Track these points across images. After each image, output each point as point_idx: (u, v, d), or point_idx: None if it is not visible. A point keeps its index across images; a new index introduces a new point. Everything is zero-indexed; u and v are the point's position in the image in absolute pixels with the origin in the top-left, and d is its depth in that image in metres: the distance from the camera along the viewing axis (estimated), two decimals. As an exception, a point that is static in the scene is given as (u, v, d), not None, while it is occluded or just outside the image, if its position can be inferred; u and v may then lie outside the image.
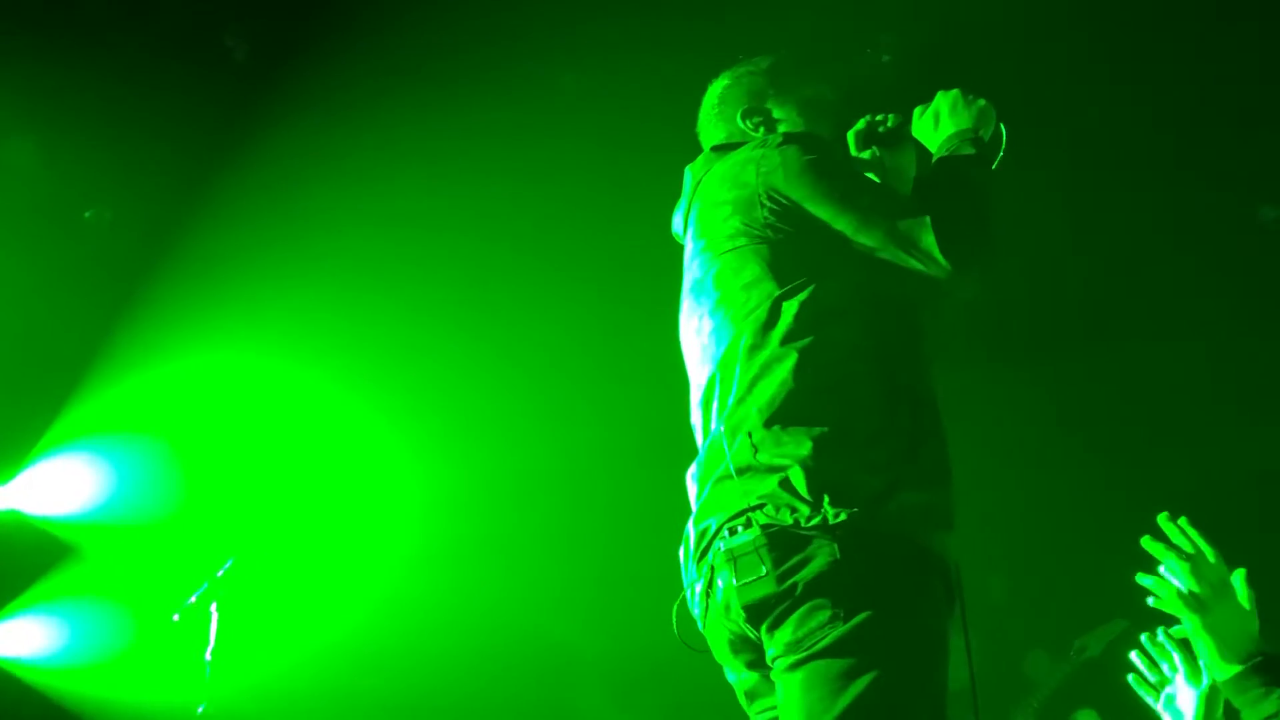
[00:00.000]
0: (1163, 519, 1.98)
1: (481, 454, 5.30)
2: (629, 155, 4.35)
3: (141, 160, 4.84)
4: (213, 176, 4.91)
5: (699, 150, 2.64)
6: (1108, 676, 4.92)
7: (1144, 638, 2.03)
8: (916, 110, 2.46)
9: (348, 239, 5.03)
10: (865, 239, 2.22)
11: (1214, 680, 1.88)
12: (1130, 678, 2.06)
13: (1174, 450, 5.37)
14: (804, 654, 2.01)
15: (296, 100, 4.78)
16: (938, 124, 2.40)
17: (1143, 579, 1.94)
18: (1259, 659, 1.85)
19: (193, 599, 4.29)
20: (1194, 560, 1.93)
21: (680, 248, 2.54)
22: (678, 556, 2.34)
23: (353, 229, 5.01)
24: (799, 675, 2.02)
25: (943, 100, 2.42)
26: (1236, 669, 1.86)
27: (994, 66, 4.30)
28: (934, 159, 2.38)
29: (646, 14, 4.46)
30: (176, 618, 4.32)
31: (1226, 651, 1.87)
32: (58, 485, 5.23)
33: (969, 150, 2.31)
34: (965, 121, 2.36)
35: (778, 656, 2.07)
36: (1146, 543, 1.96)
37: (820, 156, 2.31)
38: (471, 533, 5.36)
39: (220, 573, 4.32)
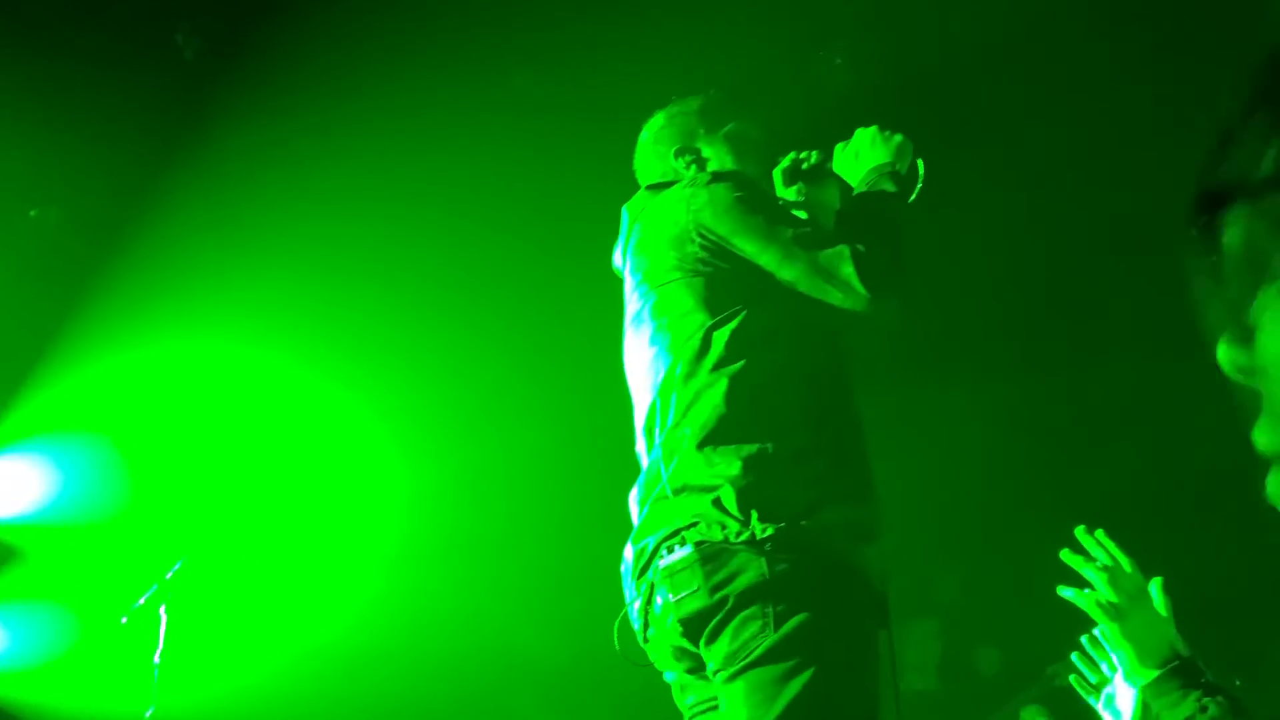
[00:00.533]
0: (1080, 532, 2.05)
1: (445, 452, 5.27)
2: (588, 151, 4.36)
3: (89, 159, 4.79)
4: (162, 174, 4.85)
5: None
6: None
7: (1084, 639, 2.07)
8: (838, 146, 2.60)
9: (298, 235, 4.99)
10: (788, 271, 2.35)
11: (1134, 685, 1.94)
12: (1071, 678, 2.10)
13: (1120, 453, 5.47)
14: (741, 664, 2.15)
15: (248, 97, 4.73)
16: (858, 159, 2.54)
17: (1063, 591, 2.00)
18: (1175, 663, 1.91)
19: (141, 601, 4.24)
20: (1111, 571, 1.99)
21: (621, 282, 2.66)
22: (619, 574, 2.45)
23: (304, 225, 4.98)
24: (739, 685, 2.15)
25: (862, 136, 2.57)
26: (1154, 673, 1.92)
27: (945, 71, 4.35)
28: (854, 193, 2.52)
29: (603, 15, 4.47)
30: (124, 620, 4.28)
31: (1144, 657, 1.93)
32: (4, 487, 5.15)
33: (887, 184, 2.46)
34: (883, 156, 2.51)
35: (718, 670, 2.19)
36: (1065, 555, 2.03)
37: (746, 193, 2.45)
38: (432, 534, 5.33)
39: (169, 574, 4.27)
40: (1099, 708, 2.08)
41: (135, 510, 5.25)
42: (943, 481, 5.58)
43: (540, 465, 5.28)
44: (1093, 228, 5.11)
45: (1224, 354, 0.67)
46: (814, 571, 2.17)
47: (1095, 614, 1.97)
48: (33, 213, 4.92)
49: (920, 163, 2.52)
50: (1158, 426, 5.37)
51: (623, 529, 2.45)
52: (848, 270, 2.28)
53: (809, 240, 2.36)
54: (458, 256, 5.08)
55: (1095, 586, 1.99)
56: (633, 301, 2.56)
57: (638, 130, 2.79)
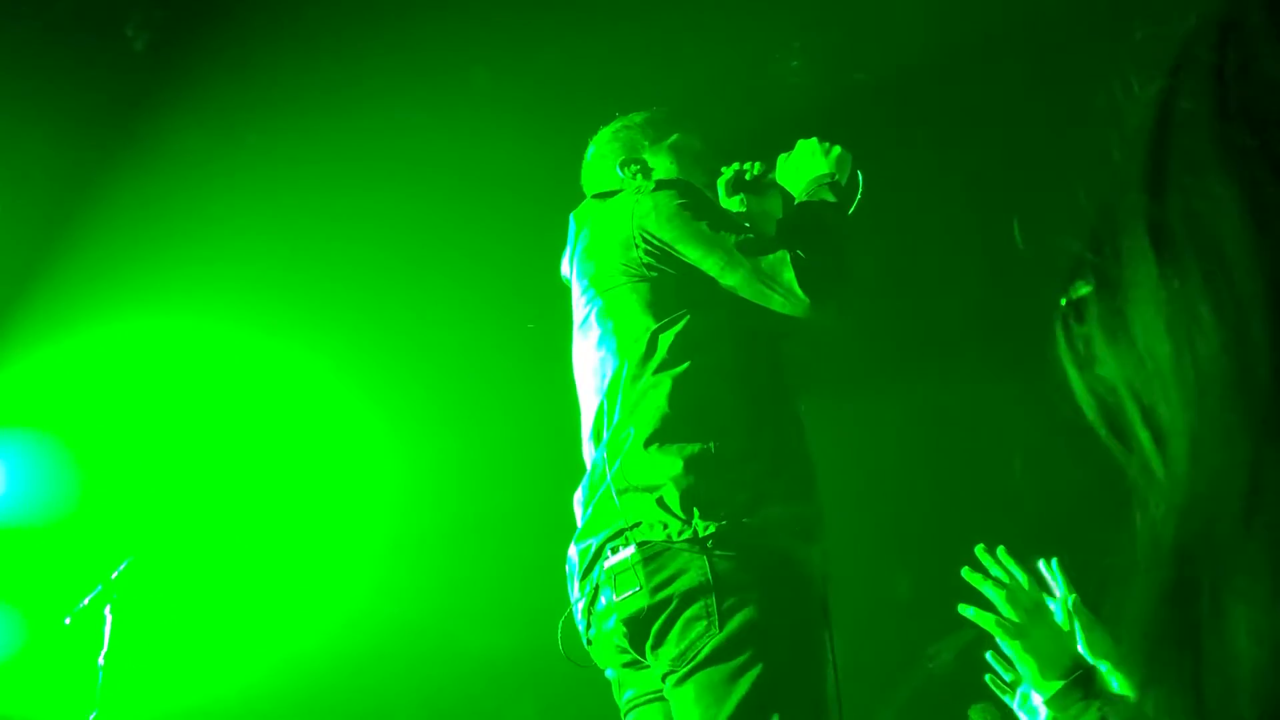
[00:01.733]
0: (979, 550, 2.08)
1: (416, 444, 5.17)
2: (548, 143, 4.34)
3: (34, 152, 4.71)
4: (111, 166, 4.78)
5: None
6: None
7: (999, 638, 2.09)
8: (781, 157, 2.67)
9: (250, 223, 4.92)
10: (730, 276, 2.41)
11: (1041, 697, 1.97)
12: (987, 678, 2.12)
13: (1075, 449, 5.49)
14: (689, 666, 2.18)
15: (200, 89, 4.69)
16: (799, 170, 2.61)
17: (964, 610, 2.03)
18: (1077, 673, 1.94)
19: (85, 602, 4.17)
20: (1009, 588, 2.02)
21: (568, 290, 2.71)
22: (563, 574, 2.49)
23: (255, 211, 4.91)
24: (689, 687, 2.19)
25: (803, 148, 2.64)
26: (1057, 685, 1.94)
27: (902, 73, 4.38)
28: (795, 203, 2.59)
29: (561, 14, 4.47)
30: (67, 621, 4.20)
31: (1046, 670, 1.96)
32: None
33: (827, 194, 2.53)
34: (824, 167, 2.58)
35: (667, 674, 2.23)
36: (966, 574, 2.06)
37: (689, 201, 2.52)
38: (397, 529, 5.25)
39: (115, 574, 4.20)
40: (1014, 707, 2.10)
41: (84, 506, 5.14)
42: (894, 481, 5.60)
43: (524, 459, 5.18)
44: (1050, 229, 5.13)
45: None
46: (756, 568, 2.21)
47: (995, 631, 2.01)
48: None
49: (860, 174, 2.58)
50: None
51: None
52: (789, 276, 2.34)
53: (751, 247, 2.41)
54: (404, 242, 5.02)
55: (994, 604, 2.02)
56: (580, 306, 2.61)
57: (599, 123, 2.85)
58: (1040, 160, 4.88)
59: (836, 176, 2.55)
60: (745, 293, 2.39)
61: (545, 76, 4.59)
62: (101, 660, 4.05)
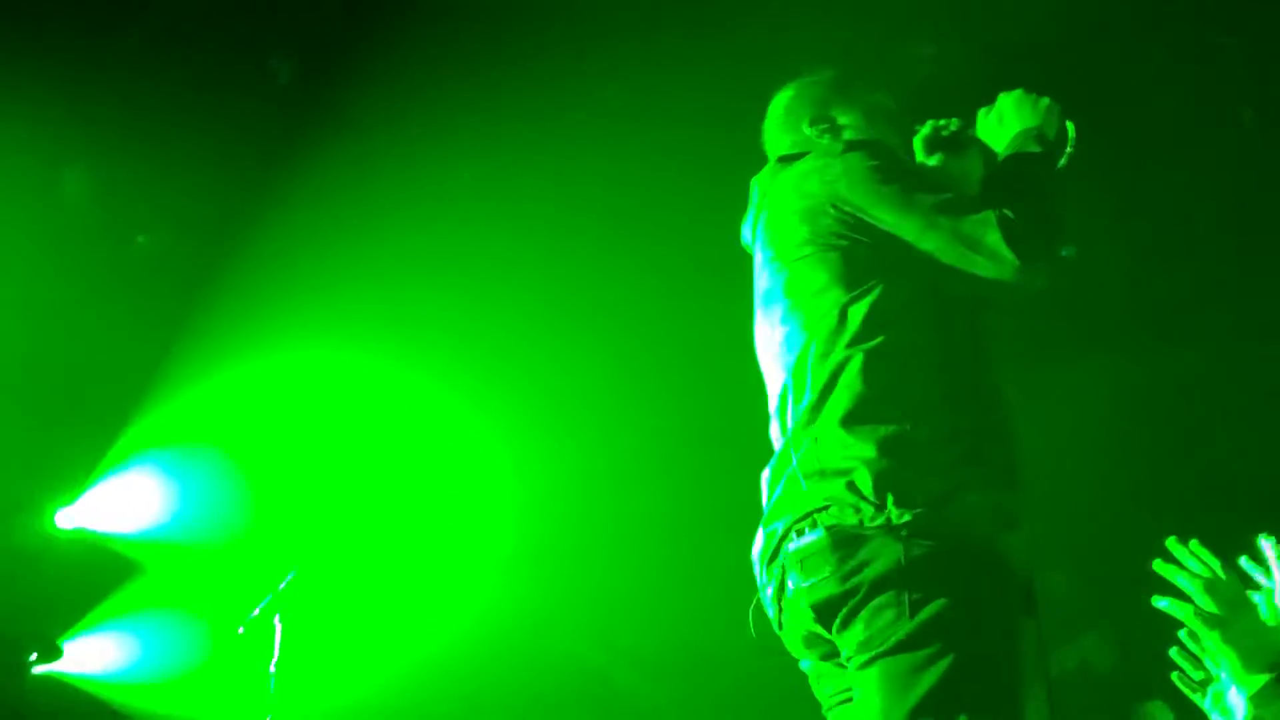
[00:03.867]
0: (1171, 542, 1.98)
1: (559, 455, 5.25)
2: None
3: (192, 184, 4.93)
4: (262, 194, 4.97)
5: (759, 159, 2.64)
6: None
7: (1181, 634, 2.00)
8: (981, 112, 2.46)
9: (402, 245, 5.06)
10: (929, 240, 2.23)
11: (1241, 692, 1.88)
12: (1173, 675, 2.04)
13: (1233, 443, 5.27)
14: (874, 652, 2.06)
15: (341, 118, 4.83)
16: (1002, 124, 2.41)
17: (1158, 602, 1.95)
18: None
19: (256, 612, 4.35)
20: (1207, 580, 1.94)
21: (749, 258, 2.55)
22: (750, 559, 2.36)
23: (406, 235, 5.05)
24: (872, 673, 2.07)
25: (1006, 100, 2.42)
26: (1263, 679, 1.86)
27: (1034, 76, 4.23)
28: (1000, 158, 2.38)
29: (682, 31, 4.45)
30: (241, 631, 4.40)
31: (1250, 664, 1.87)
32: (123, 502, 5.33)
33: (1034, 148, 2.32)
34: (1030, 120, 2.37)
35: (850, 656, 2.12)
36: (1158, 565, 1.97)
37: (882, 162, 2.32)
38: (549, 538, 5.35)
39: (283, 585, 4.37)
40: (1205, 705, 2.02)
41: (253, 522, 5.39)
42: (1053, 467, 5.43)
43: (652, 463, 5.25)
44: (1210, 209, 4.92)
45: None
46: (953, 559, 2.07)
47: (1193, 624, 1.92)
48: (141, 238, 5.09)
49: (1070, 126, 2.39)
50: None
51: (743, 525, 2.37)
52: (994, 237, 2.16)
53: (951, 207, 2.24)
54: (557, 259, 5.11)
55: (1191, 597, 1.94)
56: (763, 278, 2.45)
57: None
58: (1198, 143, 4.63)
59: (1044, 130, 2.34)
60: (946, 257, 2.20)
61: (671, 100, 4.58)
62: (273, 667, 4.24)
